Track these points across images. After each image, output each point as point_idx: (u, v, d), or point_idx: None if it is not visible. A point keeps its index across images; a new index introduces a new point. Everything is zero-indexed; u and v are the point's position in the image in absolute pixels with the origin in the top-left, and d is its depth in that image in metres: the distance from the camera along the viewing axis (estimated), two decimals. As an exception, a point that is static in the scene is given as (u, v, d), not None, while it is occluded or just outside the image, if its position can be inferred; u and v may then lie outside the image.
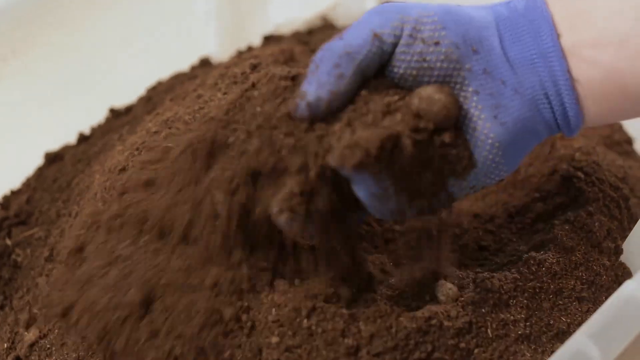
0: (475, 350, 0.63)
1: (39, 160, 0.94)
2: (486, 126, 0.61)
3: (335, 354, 0.61)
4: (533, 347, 0.64)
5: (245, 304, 0.63)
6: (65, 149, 0.95)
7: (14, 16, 0.86)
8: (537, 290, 0.66)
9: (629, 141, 0.92)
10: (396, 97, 0.60)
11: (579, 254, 0.69)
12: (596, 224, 0.72)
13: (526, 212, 0.76)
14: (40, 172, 0.93)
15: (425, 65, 0.60)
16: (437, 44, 0.60)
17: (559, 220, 0.72)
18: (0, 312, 0.82)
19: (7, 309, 0.81)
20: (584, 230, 0.71)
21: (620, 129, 0.93)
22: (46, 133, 0.95)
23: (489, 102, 0.60)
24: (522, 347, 0.64)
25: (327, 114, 0.60)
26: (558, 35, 0.59)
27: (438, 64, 0.60)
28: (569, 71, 0.59)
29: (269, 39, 1.07)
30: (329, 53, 0.60)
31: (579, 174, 0.77)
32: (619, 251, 0.72)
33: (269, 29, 1.10)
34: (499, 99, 0.60)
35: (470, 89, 0.61)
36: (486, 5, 0.63)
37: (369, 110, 0.60)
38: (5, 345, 0.77)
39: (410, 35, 0.60)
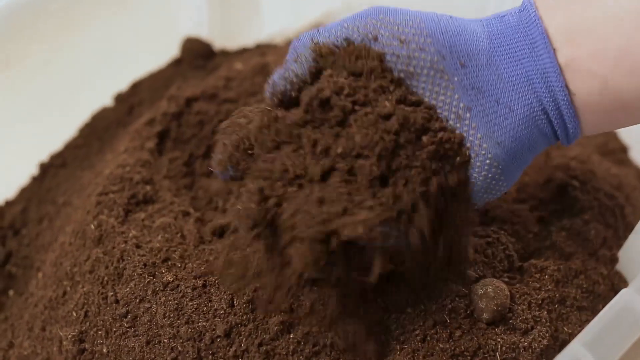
0: None
1: (33, 170, 0.94)
2: (483, 146, 0.60)
3: None
4: None
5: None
6: (59, 158, 0.95)
7: (6, 27, 0.86)
8: (541, 301, 0.66)
9: (623, 149, 0.92)
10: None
11: (578, 261, 0.69)
12: (592, 231, 0.72)
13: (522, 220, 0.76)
14: (34, 183, 0.92)
15: (412, 69, 0.60)
16: (422, 49, 0.59)
17: (555, 227, 0.72)
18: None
19: (2, 316, 0.81)
20: (581, 237, 0.71)
21: (614, 137, 0.93)
22: (40, 142, 0.94)
23: (483, 120, 0.60)
24: None
25: (289, 99, 0.61)
26: (554, 50, 0.58)
27: (425, 71, 0.60)
28: (567, 86, 0.58)
29: (262, 48, 1.06)
30: (297, 42, 0.62)
31: (574, 182, 0.76)
32: (614, 260, 0.72)
33: (262, 38, 1.10)
34: (493, 117, 0.60)
35: (461, 105, 0.60)
36: (479, 20, 0.62)
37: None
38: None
39: (392, 37, 0.60)
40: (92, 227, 0.73)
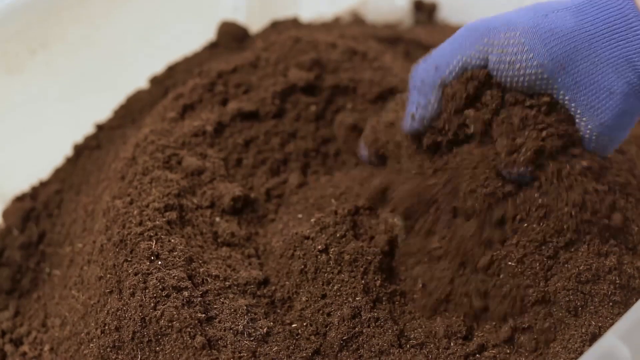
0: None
1: (67, 151, 0.94)
2: (588, 127, 0.65)
3: None
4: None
5: None
6: (94, 139, 0.95)
7: (42, 10, 0.87)
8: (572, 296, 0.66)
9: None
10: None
11: (613, 257, 0.68)
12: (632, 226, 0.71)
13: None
14: (68, 164, 0.93)
15: (520, 85, 0.65)
16: (526, 67, 0.64)
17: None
18: (27, 296, 0.82)
19: (35, 295, 0.81)
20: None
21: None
22: (75, 124, 0.95)
23: (586, 107, 0.64)
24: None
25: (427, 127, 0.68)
26: None
27: (531, 84, 0.65)
28: None
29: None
30: (416, 74, 0.68)
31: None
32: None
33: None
34: (594, 102, 0.64)
35: (567, 98, 0.65)
36: (570, 6, 0.64)
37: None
38: (25, 328, 0.78)
39: (499, 61, 0.64)
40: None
